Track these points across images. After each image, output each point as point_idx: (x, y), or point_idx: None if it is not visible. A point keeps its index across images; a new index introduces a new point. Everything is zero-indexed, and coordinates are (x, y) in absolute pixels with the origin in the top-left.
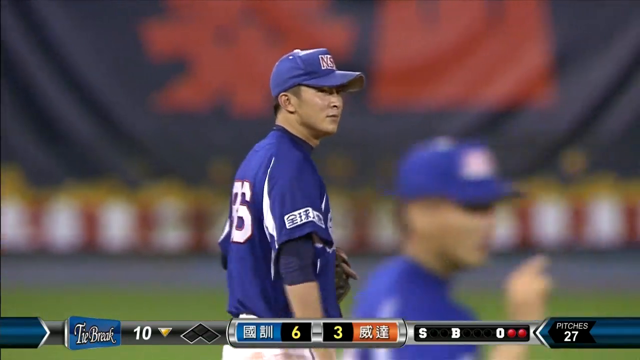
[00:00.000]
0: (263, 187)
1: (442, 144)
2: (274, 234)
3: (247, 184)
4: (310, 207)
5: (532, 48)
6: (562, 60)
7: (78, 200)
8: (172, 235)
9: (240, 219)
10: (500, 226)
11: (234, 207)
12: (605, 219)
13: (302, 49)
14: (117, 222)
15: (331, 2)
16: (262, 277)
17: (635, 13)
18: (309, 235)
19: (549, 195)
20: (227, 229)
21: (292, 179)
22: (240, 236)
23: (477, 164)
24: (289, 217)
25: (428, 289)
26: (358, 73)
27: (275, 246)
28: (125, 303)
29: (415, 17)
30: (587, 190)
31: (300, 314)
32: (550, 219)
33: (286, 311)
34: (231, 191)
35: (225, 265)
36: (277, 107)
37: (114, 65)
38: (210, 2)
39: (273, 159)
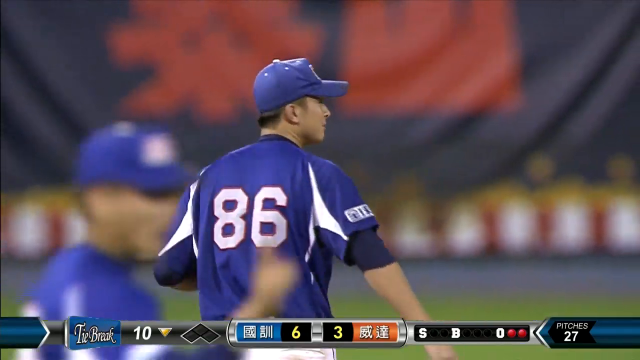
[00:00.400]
0: (310, 194)
1: (122, 129)
2: (339, 232)
3: (275, 189)
4: (365, 204)
5: (499, 53)
6: (529, 65)
7: (44, 205)
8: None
9: (270, 224)
10: (467, 231)
11: (232, 214)
12: (572, 224)
13: (280, 59)
14: (83, 228)
15: (298, 7)
16: (299, 281)
17: (601, 18)
18: (374, 228)
19: (516, 201)
20: (179, 237)
21: (343, 180)
22: (271, 241)
23: (157, 150)
24: (349, 211)
25: (111, 275)
26: (346, 82)
27: (343, 243)
28: None
29: (382, 23)
30: (554, 196)
31: (394, 294)
32: (516, 224)
33: (320, 313)
34: (211, 198)
35: (166, 280)
36: (269, 118)
37: (81, 70)
38: (178, 7)
39: (309, 164)
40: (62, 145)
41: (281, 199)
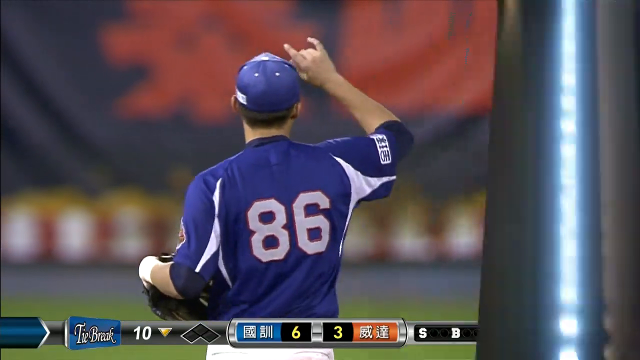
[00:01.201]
0: (347, 180)
1: None
2: (384, 179)
3: (315, 194)
4: (373, 135)
5: None
6: None
7: (36, 208)
8: (132, 244)
9: (317, 229)
10: (466, 235)
11: (271, 226)
12: None
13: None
14: (76, 231)
15: (294, 7)
16: (332, 286)
17: None
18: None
19: None
20: (211, 250)
21: (353, 142)
22: (319, 246)
23: None
24: (382, 156)
25: None
26: None
27: (391, 183)
28: (83, 312)
29: (380, 23)
30: None
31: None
32: None
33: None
34: (244, 213)
35: (195, 294)
36: (279, 118)
37: (73, 71)
38: (172, 7)
39: (332, 156)
40: (54, 147)
41: (324, 202)
